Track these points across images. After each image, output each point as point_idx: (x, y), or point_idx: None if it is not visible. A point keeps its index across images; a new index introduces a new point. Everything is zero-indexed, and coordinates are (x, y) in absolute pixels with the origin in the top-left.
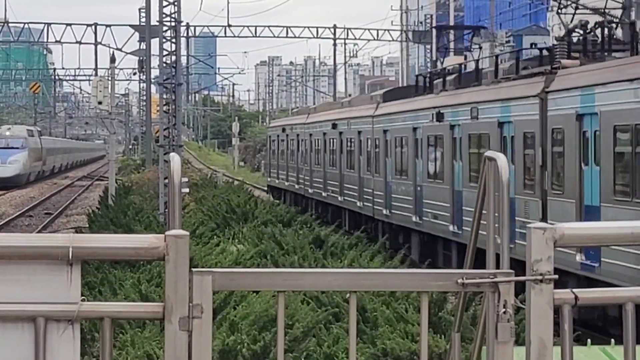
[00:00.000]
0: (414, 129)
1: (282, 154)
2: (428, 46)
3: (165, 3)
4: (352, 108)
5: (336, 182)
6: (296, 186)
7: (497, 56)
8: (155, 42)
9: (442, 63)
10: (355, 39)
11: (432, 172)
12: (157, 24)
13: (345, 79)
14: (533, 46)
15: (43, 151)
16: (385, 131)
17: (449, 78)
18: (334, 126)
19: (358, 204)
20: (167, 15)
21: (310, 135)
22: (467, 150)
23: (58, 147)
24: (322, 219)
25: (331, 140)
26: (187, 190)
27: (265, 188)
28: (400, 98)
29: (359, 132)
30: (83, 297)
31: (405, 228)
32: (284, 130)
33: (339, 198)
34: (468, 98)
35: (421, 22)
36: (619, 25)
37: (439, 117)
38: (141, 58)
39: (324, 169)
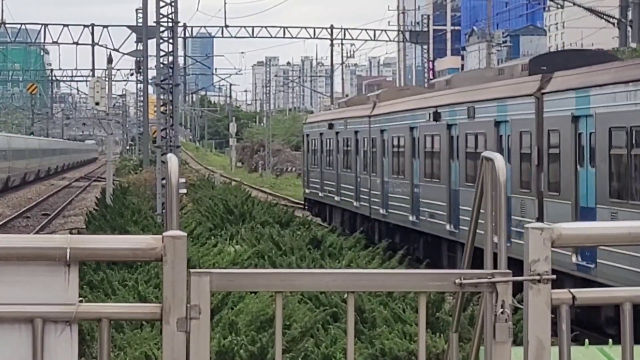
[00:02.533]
0: None
1: (328, 158)
2: (425, 46)
3: (162, 4)
4: (465, 89)
5: (441, 203)
6: (355, 203)
7: None
8: (152, 42)
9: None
10: (353, 39)
11: None
12: (154, 24)
13: (343, 79)
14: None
15: (9, 154)
16: (580, 118)
17: None
18: (436, 117)
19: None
20: (164, 16)
21: (382, 131)
22: None
23: (31, 148)
24: (408, 251)
25: (428, 138)
26: (184, 190)
27: (265, 189)
28: (573, 64)
29: (499, 124)
30: (81, 298)
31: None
32: (331, 126)
33: (448, 227)
34: None
35: (418, 23)
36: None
37: None
38: (138, 59)
39: (412, 181)
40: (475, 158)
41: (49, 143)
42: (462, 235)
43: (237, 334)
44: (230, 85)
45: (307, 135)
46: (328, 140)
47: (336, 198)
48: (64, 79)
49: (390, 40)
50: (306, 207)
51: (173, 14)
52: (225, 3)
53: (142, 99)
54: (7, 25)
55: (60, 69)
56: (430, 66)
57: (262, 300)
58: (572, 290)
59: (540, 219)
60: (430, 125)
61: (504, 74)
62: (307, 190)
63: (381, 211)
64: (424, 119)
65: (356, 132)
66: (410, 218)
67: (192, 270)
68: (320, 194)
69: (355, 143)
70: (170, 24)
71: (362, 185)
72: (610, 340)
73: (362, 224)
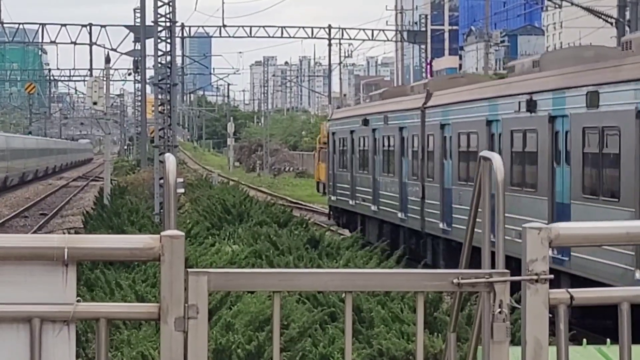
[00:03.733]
0: None
1: (362, 160)
2: (423, 46)
3: (160, 3)
4: (577, 69)
5: (540, 220)
6: (400, 215)
7: None
8: (150, 42)
9: None
10: (350, 39)
11: None
12: (152, 24)
13: (340, 79)
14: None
15: None
16: None
17: None
18: (531, 107)
19: (638, 275)
20: (162, 16)
21: (442, 127)
22: None
23: None
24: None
25: (517, 135)
26: (182, 190)
27: (262, 188)
28: None
29: None
30: (79, 298)
31: None
32: (366, 122)
33: (551, 252)
34: None
35: (416, 22)
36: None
37: None
38: (136, 58)
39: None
40: (603, 163)
41: (23, 142)
42: (572, 264)
43: (235, 334)
44: (228, 85)
45: (333, 134)
46: (362, 139)
47: (372, 207)
48: (62, 78)
49: (388, 40)
50: (331, 217)
51: (171, 14)
52: (223, 3)
53: (139, 98)
54: (5, 25)
55: (58, 69)
56: (428, 66)
57: (260, 300)
58: (570, 290)
59: None
60: (521, 118)
61: (630, 47)
62: (332, 198)
63: (440, 226)
64: (510, 109)
65: (401, 129)
66: (492, 238)
67: (189, 269)
68: (350, 202)
69: (401, 142)
70: (168, 24)
71: (410, 194)
72: (608, 340)
73: (408, 239)
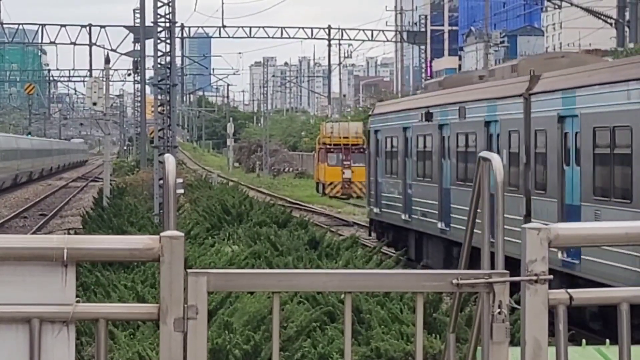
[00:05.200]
0: None
1: (420, 165)
2: (422, 47)
3: (159, 4)
4: None
5: None
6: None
7: None
8: (149, 42)
9: None
10: (350, 39)
11: None
12: (152, 24)
13: (340, 79)
14: None
15: None
16: None
17: None
18: None
19: (560, 255)
20: (161, 16)
21: (562, 119)
22: None
23: None
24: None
25: None
26: (181, 191)
27: (262, 189)
28: None
29: None
30: (78, 298)
31: None
32: (429, 117)
33: None
34: None
35: (415, 23)
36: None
37: None
38: (136, 59)
39: None
40: None
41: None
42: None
43: (232, 333)
44: (228, 85)
45: (376, 132)
46: (421, 138)
47: (439, 225)
48: (61, 79)
49: (387, 41)
50: (372, 232)
51: (170, 14)
52: (222, 3)
53: (139, 99)
54: (4, 26)
55: (57, 69)
56: (428, 66)
57: (258, 300)
58: (570, 290)
59: None
60: None
61: None
62: (374, 210)
63: (560, 255)
64: None
65: (487, 124)
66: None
67: (189, 270)
68: (402, 217)
69: (487, 140)
70: (167, 24)
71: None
72: (608, 340)
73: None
